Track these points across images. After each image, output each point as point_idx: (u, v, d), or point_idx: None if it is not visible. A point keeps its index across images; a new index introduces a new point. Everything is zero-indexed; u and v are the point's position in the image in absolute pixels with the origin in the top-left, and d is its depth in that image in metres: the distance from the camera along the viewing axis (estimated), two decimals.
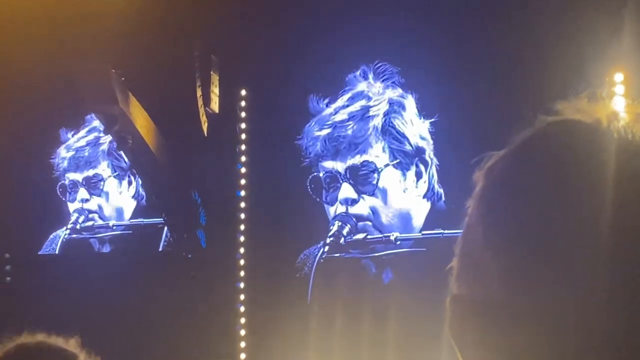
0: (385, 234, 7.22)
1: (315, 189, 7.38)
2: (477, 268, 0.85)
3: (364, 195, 7.24)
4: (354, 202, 7.26)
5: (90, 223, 8.10)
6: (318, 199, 7.36)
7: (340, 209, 7.31)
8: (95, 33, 6.42)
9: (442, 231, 7.03)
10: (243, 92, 7.67)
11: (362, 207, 7.27)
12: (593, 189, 0.81)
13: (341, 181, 7.29)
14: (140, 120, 7.00)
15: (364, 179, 7.25)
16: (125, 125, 6.80)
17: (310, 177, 7.37)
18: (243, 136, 7.68)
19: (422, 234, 7.15)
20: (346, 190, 7.29)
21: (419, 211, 7.19)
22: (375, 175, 7.21)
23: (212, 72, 7.32)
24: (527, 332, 0.81)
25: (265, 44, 7.40)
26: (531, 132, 0.88)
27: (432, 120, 7.16)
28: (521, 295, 0.81)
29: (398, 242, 7.20)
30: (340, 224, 7.33)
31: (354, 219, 7.29)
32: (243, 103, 7.67)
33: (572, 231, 0.80)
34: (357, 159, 7.25)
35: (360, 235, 7.29)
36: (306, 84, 7.39)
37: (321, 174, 7.35)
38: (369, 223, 7.24)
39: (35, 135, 7.82)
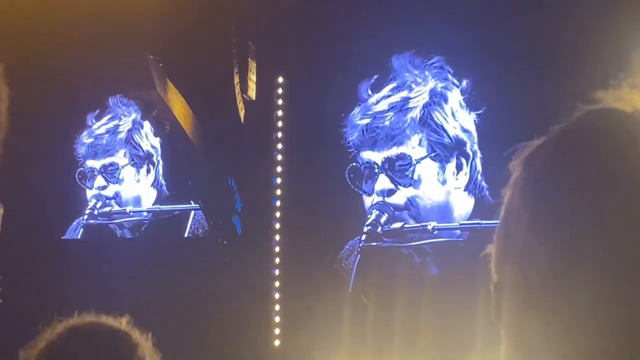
0: (422, 224, 7.19)
1: (354, 179, 7.37)
2: (521, 255, 0.86)
3: (400, 187, 7.23)
4: (390, 192, 7.25)
5: (107, 209, 8.14)
6: (357, 190, 7.35)
7: (377, 199, 7.29)
8: (133, 19, 6.42)
9: (479, 221, 6.98)
10: (280, 79, 7.65)
11: (399, 198, 7.25)
12: (635, 178, 0.81)
13: (378, 172, 7.28)
14: (178, 106, 7.01)
15: (400, 170, 7.23)
16: (163, 111, 6.82)
17: (349, 167, 7.35)
18: (280, 123, 7.67)
19: (460, 224, 7.10)
20: (383, 181, 7.28)
21: (460, 203, 7.14)
22: (411, 167, 7.18)
23: (249, 59, 7.31)
24: (567, 320, 0.81)
25: (303, 31, 7.37)
26: (571, 120, 0.88)
27: (479, 112, 7.12)
28: (567, 282, 0.81)
29: (435, 232, 7.17)
30: (377, 212, 7.30)
31: (391, 208, 7.26)
32: (280, 90, 7.66)
33: (619, 219, 0.80)
34: (393, 151, 7.23)
35: (398, 225, 7.26)
36: (347, 71, 7.36)
37: (360, 165, 7.35)
38: (406, 212, 7.23)
39: (64, 120, 7.85)
